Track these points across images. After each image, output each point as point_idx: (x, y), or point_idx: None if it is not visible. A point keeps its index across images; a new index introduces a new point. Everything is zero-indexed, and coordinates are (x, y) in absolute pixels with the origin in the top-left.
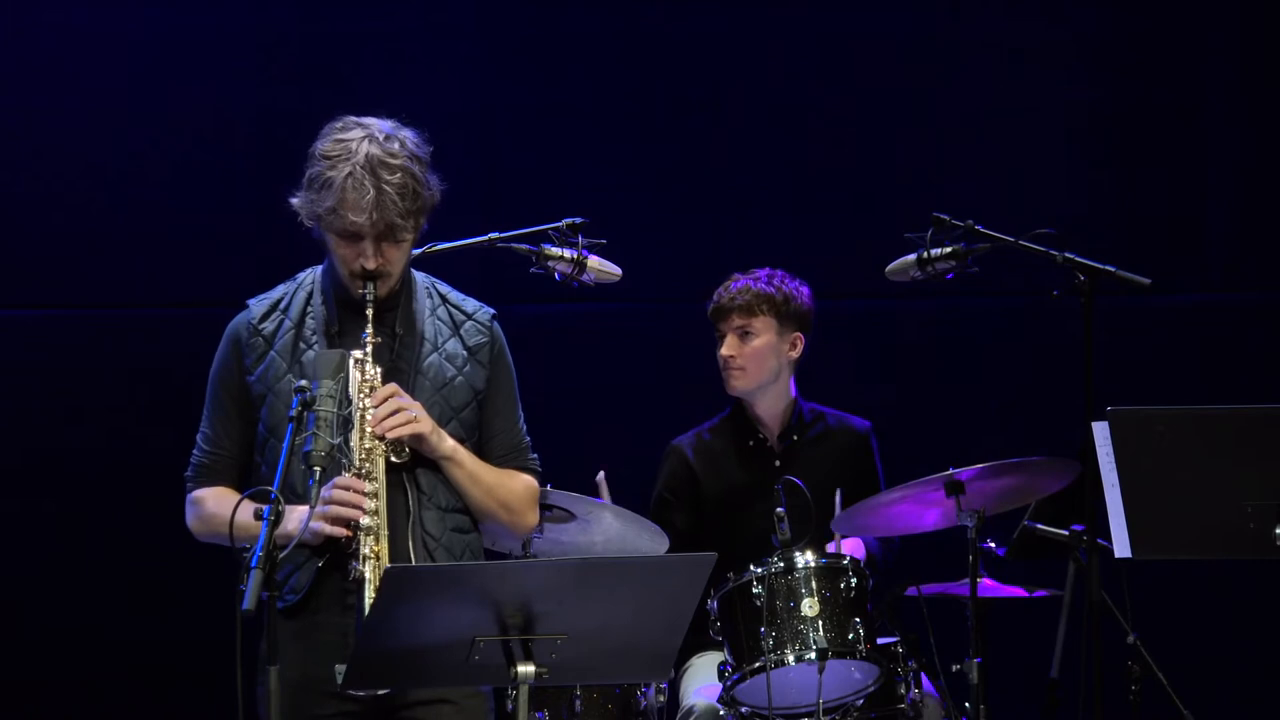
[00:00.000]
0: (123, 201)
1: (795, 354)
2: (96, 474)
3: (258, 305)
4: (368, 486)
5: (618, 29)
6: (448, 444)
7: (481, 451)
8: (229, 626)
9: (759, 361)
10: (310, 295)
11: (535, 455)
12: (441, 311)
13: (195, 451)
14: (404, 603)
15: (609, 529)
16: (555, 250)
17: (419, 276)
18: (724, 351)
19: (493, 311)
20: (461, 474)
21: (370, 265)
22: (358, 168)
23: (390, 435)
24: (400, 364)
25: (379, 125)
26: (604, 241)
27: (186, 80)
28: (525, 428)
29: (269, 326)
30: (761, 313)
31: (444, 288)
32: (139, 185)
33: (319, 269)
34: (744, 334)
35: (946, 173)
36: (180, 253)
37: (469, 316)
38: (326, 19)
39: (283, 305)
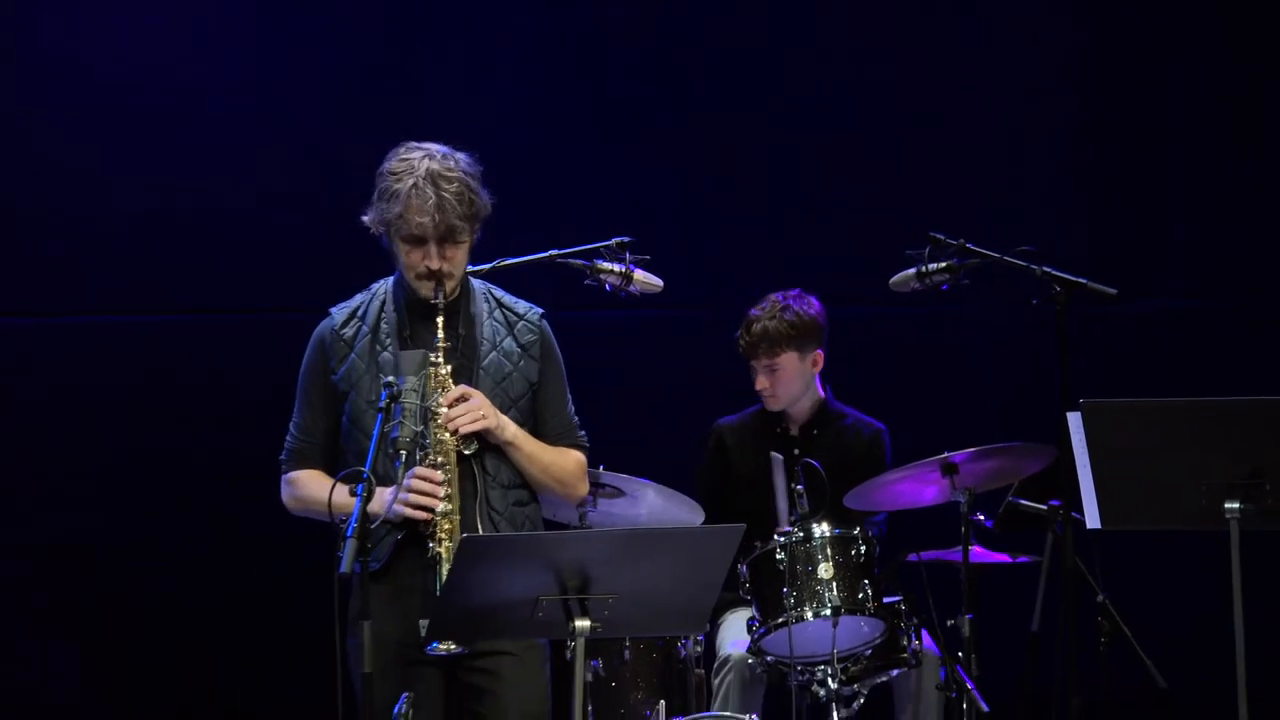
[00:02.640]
0: (210, 218)
1: (818, 367)
2: (197, 462)
3: (339, 313)
4: (441, 476)
5: (635, 61)
6: (509, 431)
7: (536, 433)
8: (324, 589)
9: (789, 386)
10: (383, 304)
11: (584, 433)
12: (497, 314)
13: (288, 438)
14: (478, 567)
15: (652, 504)
16: (606, 265)
17: (475, 283)
18: (758, 386)
19: (541, 311)
20: (521, 456)
21: (435, 265)
22: (420, 179)
23: (462, 430)
24: (464, 361)
25: (436, 147)
26: (648, 257)
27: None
28: (574, 409)
29: (349, 331)
30: (783, 349)
31: (498, 292)
32: (228, 205)
33: (389, 281)
34: (771, 370)
35: (942, 193)
36: (262, 263)
37: (520, 317)
38: (380, 49)
39: (360, 313)
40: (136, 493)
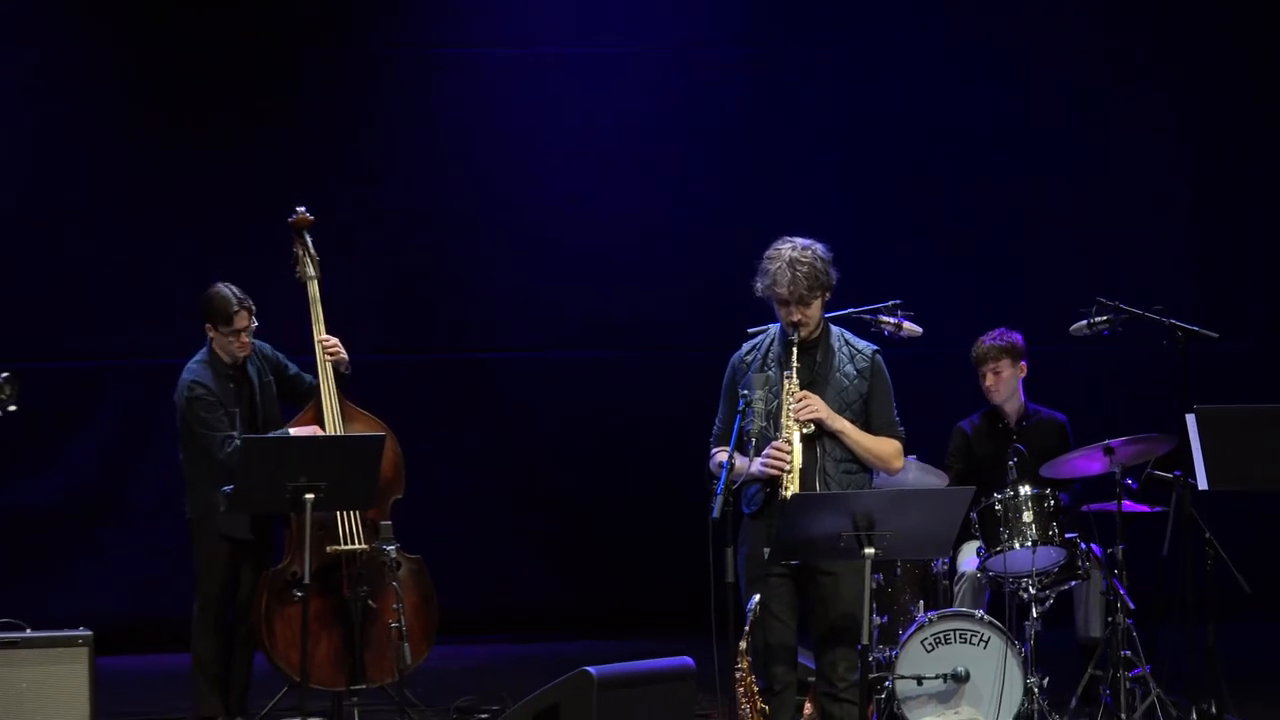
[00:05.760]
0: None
1: (1023, 373)
2: (634, 455)
3: (746, 345)
4: (787, 448)
5: (894, 166)
6: (839, 423)
7: (866, 427)
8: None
9: (1006, 386)
10: (772, 340)
11: (902, 428)
12: (844, 349)
13: (714, 426)
14: (802, 514)
15: (915, 475)
16: (885, 318)
17: (834, 328)
18: (986, 384)
19: (875, 348)
20: (849, 440)
21: (795, 318)
22: (784, 262)
23: (801, 419)
24: (818, 378)
25: (800, 240)
26: (913, 313)
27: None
28: (896, 412)
29: (749, 358)
30: (1003, 358)
31: (849, 335)
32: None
33: (779, 323)
34: (995, 373)
35: (1097, 260)
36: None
37: (859, 352)
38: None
39: (757, 345)
40: (610, 474)
